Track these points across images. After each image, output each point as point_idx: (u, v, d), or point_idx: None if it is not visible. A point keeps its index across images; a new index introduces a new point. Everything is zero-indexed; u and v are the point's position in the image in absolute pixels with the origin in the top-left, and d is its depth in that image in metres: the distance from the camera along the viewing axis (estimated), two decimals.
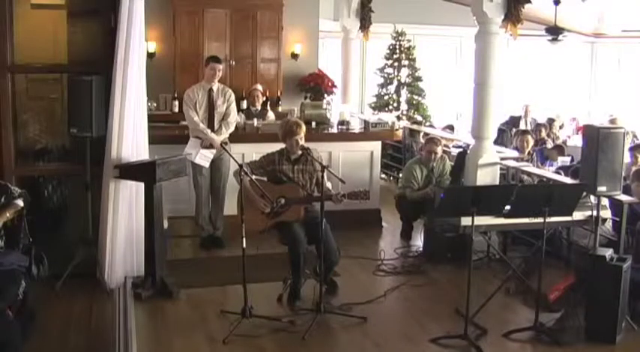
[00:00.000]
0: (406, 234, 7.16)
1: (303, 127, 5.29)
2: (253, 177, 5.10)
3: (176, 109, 9.45)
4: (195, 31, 9.52)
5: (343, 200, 5.04)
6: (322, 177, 5.01)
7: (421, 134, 9.80)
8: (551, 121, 10.58)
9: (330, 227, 5.13)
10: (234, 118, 6.66)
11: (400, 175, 10.03)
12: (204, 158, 6.41)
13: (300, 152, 5.23)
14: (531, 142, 8.19)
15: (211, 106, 6.48)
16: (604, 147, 5.10)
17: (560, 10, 10.34)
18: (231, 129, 6.59)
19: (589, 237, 5.71)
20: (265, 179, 5.26)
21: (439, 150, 7.11)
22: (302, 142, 5.22)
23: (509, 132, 10.15)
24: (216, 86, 6.53)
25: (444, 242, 6.24)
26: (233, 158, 5.22)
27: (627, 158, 8.03)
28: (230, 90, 6.72)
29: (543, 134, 9.55)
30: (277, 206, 5.11)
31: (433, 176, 7.07)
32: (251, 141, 6.90)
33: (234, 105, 6.66)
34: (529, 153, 8.02)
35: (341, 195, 5.02)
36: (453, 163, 7.17)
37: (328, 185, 5.23)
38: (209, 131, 6.39)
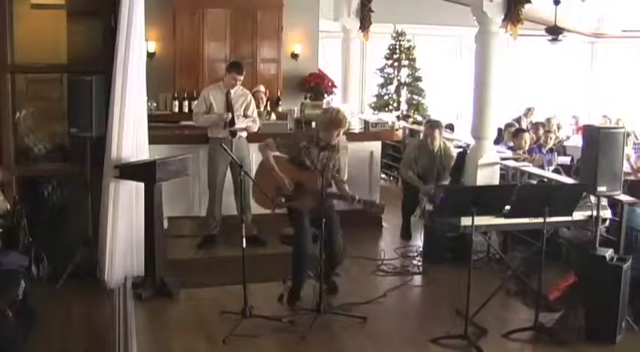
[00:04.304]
0: (406, 233, 7.15)
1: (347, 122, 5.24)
2: (276, 153, 5.06)
3: (176, 109, 9.48)
4: (195, 31, 9.53)
5: (358, 206, 4.96)
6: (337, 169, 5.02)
7: (421, 134, 9.80)
8: (549, 120, 10.59)
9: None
10: (257, 119, 6.68)
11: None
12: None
13: (334, 143, 5.12)
14: (528, 141, 8.20)
15: (230, 109, 6.45)
16: (604, 147, 5.10)
17: (560, 10, 10.35)
18: (251, 121, 6.58)
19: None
20: (287, 157, 5.18)
21: (436, 134, 7.07)
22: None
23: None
24: (234, 88, 6.53)
25: (444, 242, 6.23)
26: (231, 155, 5.21)
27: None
28: (249, 93, 6.75)
29: (540, 133, 9.55)
30: (276, 203, 5.07)
31: (435, 164, 7.02)
32: (253, 141, 6.87)
33: (253, 107, 6.68)
34: (524, 151, 8.03)
35: (357, 201, 4.94)
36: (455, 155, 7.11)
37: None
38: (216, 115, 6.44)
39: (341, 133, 5.09)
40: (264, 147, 5.07)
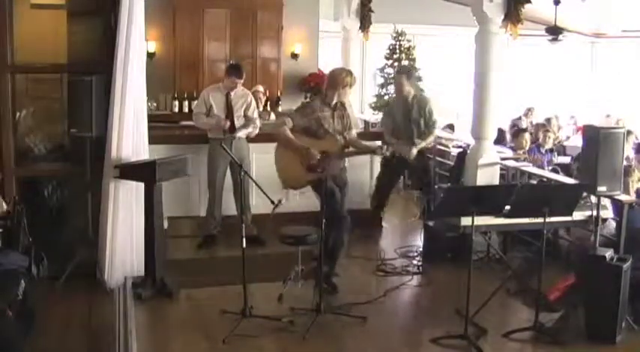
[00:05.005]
0: (374, 210, 7.23)
1: None
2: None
3: (176, 109, 9.49)
4: (195, 30, 9.55)
5: (386, 154, 5.32)
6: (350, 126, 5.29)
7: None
8: (549, 120, 10.61)
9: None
10: (257, 119, 6.68)
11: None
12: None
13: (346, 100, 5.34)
14: (529, 141, 8.21)
15: (230, 110, 6.46)
16: (604, 147, 5.10)
17: (560, 10, 10.35)
18: (252, 127, 6.58)
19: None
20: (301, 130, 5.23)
21: (403, 80, 6.82)
22: None
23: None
24: (235, 89, 6.54)
25: (444, 242, 6.23)
26: (231, 155, 5.22)
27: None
28: (249, 94, 6.74)
29: (540, 134, 9.56)
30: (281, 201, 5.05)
31: (410, 117, 6.79)
32: (253, 141, 6.90)
33: (254, 107, 6.67)
34: (524, 151, 8.04)
35: (379, 148, 5.28)
36: (432, 111, 6.89)
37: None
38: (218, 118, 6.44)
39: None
40: (281, 125, 5.08)
